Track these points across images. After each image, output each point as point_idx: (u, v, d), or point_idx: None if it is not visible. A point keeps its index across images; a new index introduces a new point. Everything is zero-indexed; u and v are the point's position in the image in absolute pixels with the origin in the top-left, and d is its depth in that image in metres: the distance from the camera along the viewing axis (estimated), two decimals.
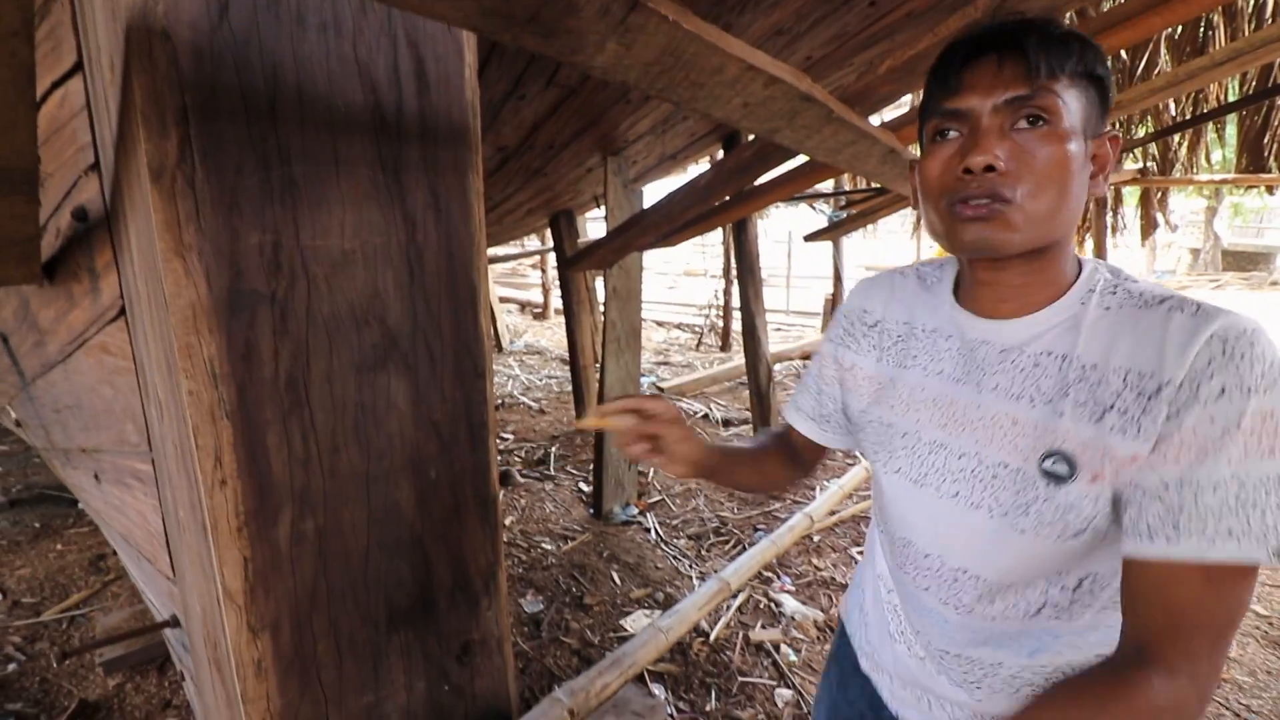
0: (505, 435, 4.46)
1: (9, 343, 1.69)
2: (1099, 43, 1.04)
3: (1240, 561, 0.50)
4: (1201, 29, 3.18)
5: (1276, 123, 3.26)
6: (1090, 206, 4.24)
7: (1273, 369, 0.50)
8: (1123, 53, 3.27)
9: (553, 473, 3.78)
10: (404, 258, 0.78)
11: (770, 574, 2.64)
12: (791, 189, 1.99)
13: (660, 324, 9.78)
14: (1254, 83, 3.27)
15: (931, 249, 9.42)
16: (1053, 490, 0.59)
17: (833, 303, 7.33)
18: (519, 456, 4.06)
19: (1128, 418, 0.55)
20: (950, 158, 0.59)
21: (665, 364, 6.99)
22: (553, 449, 4.16)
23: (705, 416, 4.95)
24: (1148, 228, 4.11)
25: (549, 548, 2.89)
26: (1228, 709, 1.91)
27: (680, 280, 15.03)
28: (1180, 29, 3.20)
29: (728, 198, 1.86)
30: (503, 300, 10.25)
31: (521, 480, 3.65)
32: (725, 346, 7.75)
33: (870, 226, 6.07)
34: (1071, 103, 0.57)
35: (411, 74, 0.77)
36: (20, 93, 0.56)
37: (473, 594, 0.94)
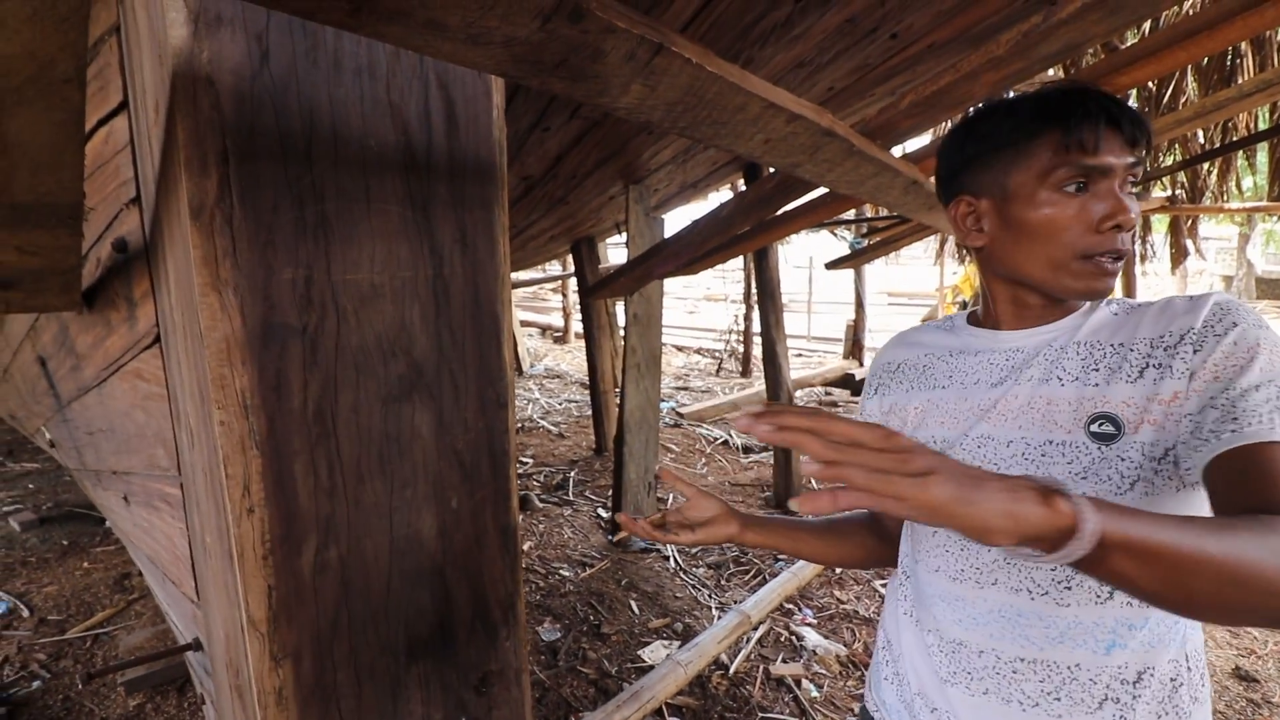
0: (524, 459, 4.47)
1: (47, 366, 1.74)
2: (1126, 77, 1.04)
3: None
4: (1229, 58, 3.15)
5: None
6: None
7: (1261, 319, 0.63)
8: (1150, 82, 3.24)
9: (571, 498, 3.77)
10: (431, 291, 0.80)
11: (791, 606, 2.59)
12: (813, 218, 2.00)
13: (680, 349, 9.79)
14: None
15: (955, 275, 9.33)
16: (1106, 450, 0.66)
17: (855, 329, 7.29)
18: (538, 481, 4.06)
19: (1163, 368, 0.64)
20: (1083, 211, 0.66)
21: (685, 389, 6.98)
22: (571, 473, 4.16)
23: (725, 443, 4.92)
24: (1178, 256, 4.04)
25: (567, 574, 2.87)
26: None
27: (701, 305, 15.05)
28: (1207, 58, 3.17)
29: (749, 227, 1.87)
30: (524, 324, 10.36)
31: (540, 505, 3.65)
32: (746, 372, 7.73)
33: (893, 253, 6.04)
34: None
35: (442, 114, 0.79)
36: (70, 135, 0.58)
37: (492, 624, 0.94)
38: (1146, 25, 2.98)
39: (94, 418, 1.51)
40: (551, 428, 5.26)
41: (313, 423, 0.73)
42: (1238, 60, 3.13)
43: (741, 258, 6.86)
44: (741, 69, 0.79)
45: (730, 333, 8.35)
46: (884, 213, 4.64)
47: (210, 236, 0.65)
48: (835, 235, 6.24)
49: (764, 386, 4.43)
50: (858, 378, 6.60)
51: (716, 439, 4.97)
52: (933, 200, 1.56)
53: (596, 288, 2.85)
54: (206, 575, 0.96)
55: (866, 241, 4.62)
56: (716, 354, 8.70)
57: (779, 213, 2.00)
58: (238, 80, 0.65)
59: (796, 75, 2.10)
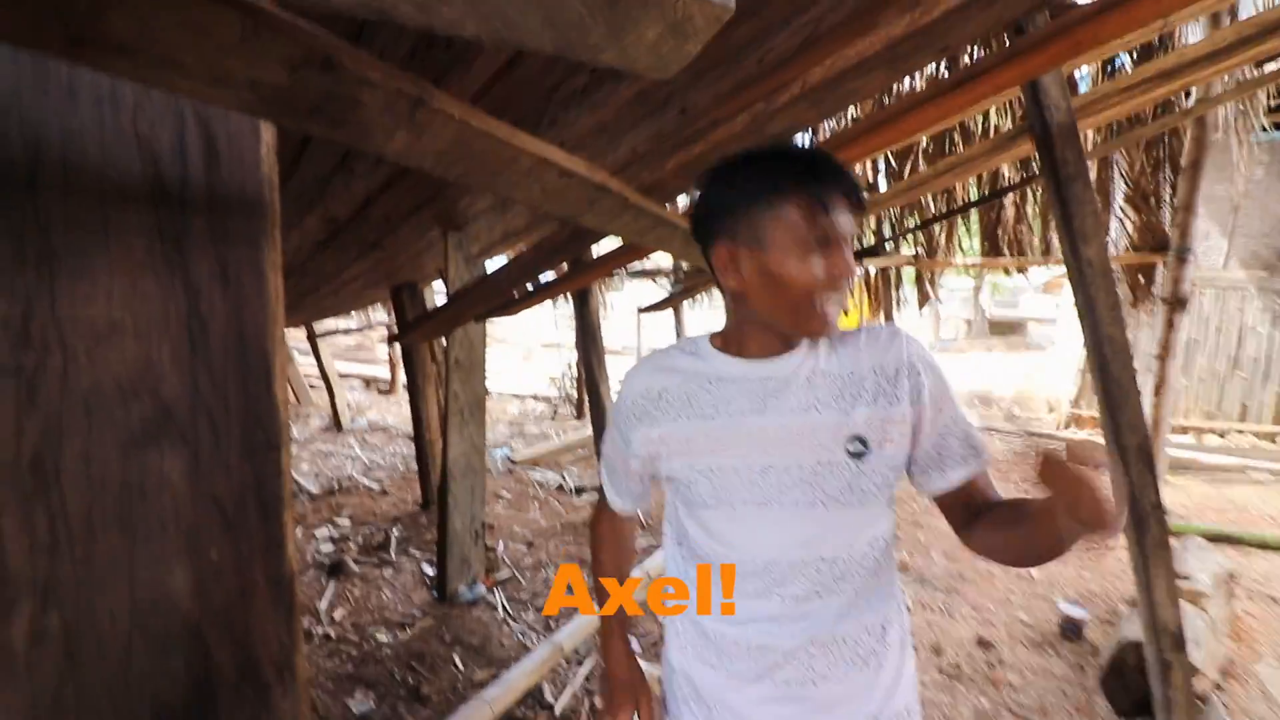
0: (340, 521, 4.12)
1: None
2: (850, 152, 1.28)
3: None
4: (949, 145, 3.95)
5: (1004, 218, 4.09)
6: (879, 284, 4.96)
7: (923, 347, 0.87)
8: (891, 160, 3.95)
9: (393, 557, 3.54)
10: (184, 328, 0.76)
11: None
12: (618, 262, 2.15)
13: (517, 396, 9.67)
14: (988, 186, 4.09)
15: None
16: (860, 465, 0.81)
17: None
18: (355, 543, 3.76)
19: (889, 395, 0.82)
20: (822, 267, 0.77)
21: (520, 435, 6.90)
22: (394, 531, 3.90)
23: (559, 486, 4.93)
24: (922, 300, 4.92)
25: (384, 639, 2.67)
26: (1006, 709, 2.18)
27: (538, 351, 15.03)
28: (932, 145, 3.94)
29: (558, 273, 1.97)
30: (344, 376, 9.61)
31: (356, 569, 3.37)
32: (581, 415, 7.82)
33: (707, 300, 6.56)
34: None
35: (200, 149, 0.78)
36: None
37: (263, 684, 0.87)
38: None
39: None
40: (373, 485, 4.90)
41: (29, 473, 0.66)
42: (954, 148, 3.92)
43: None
44: (511, 127, 0.87)
45: (564, 377, 8.43)
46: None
47: None
48: (656, 283, 6.65)
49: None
50: None
51: (550, 483, 4.96)
52: None
53: (404, 331, 2.76)
54: None
55: (680, 288, 4.99)
56: (552, 399, 8.72)
57: (594, 257, 2.13)
58: None
59: (601, 138, 2.27)
